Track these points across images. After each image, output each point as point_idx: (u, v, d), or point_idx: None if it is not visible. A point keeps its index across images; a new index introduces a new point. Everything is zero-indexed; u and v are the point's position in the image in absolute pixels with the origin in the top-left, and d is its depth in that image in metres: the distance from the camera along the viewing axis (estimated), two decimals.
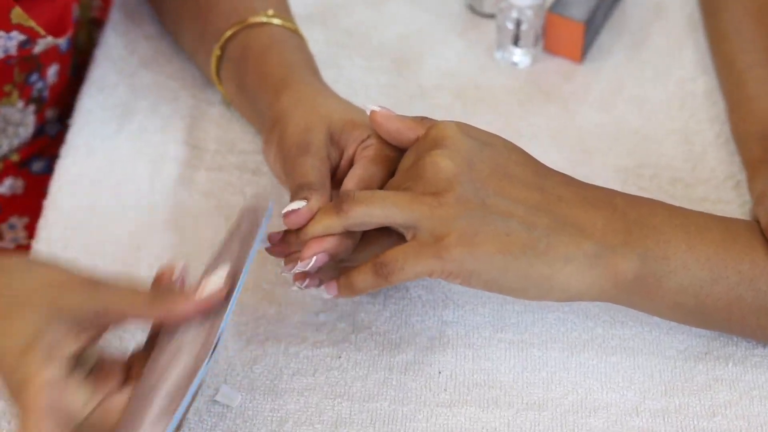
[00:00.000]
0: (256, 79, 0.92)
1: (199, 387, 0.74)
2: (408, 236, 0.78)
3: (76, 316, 0.72)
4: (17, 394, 0.70)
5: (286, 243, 0.81)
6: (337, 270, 0.82)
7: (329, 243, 0.79)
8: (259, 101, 0.91)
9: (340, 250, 0.80)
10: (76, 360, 0.72)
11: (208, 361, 0.71)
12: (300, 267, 0.79)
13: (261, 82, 0.91)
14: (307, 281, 0.81)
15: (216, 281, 0.74)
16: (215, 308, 0.74)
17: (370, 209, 0.78)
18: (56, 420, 0.69)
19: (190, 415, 0.81)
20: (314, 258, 0.79)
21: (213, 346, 0.72)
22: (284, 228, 0.81)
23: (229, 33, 0.94)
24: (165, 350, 0.73)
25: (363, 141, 0.84)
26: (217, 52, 0.95)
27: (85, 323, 0.72)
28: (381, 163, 0.83)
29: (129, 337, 0.85)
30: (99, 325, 0.73)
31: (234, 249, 0.77)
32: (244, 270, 0.75)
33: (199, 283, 0.74)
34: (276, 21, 0.94)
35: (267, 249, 0.82)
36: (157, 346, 0.74)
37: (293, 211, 0.79)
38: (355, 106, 0.89)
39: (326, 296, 0.80)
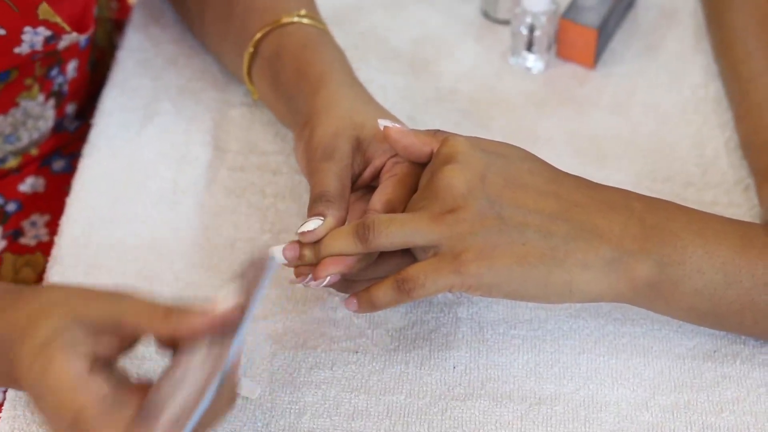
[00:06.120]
0: (292, 76, 0.92)
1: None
2: (428, 255, 0.79)
3: (95, 323, 0.71)
4: (37, 387, 0.70)
5: (301, 256, 0.81)
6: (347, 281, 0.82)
7: (346, 264, 0.80)
8: (294, 98, 0.92)
9: (355, 270, 0.81)
10: (97, 362, 0.71)
11: (215, 387, 0.70)
12: (313, 285, 0.80)
13: (298, 79, 0.91)
14: (309, 279, 0.81)
15: (226, 296, 0.72)
16: (227, 327, 0.71)
17: (391, 238, 0.78)
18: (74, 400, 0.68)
19: None
20: (328, 277, 0.80)
21: (219, 375, 0.70)
22: (304, 231, 0.81)
23: (262, 32, 0.95)
24: (170, 374, 0.72)
25: (393, 156, 0.85)
26: (249, 50, 0.95)
27: (105, 331, 0.72)
28: (409, 183, 0.84)
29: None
30: (118, 335, 0.72)
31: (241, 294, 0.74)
32: (248, 313, 0.72)
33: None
34: (308, 21, 0.95)
35: (284, 253, 0.82)
36: (166, 371, 0.72)
37: (309, 231, 0.80)
38: (390, 115, 0.89)
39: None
